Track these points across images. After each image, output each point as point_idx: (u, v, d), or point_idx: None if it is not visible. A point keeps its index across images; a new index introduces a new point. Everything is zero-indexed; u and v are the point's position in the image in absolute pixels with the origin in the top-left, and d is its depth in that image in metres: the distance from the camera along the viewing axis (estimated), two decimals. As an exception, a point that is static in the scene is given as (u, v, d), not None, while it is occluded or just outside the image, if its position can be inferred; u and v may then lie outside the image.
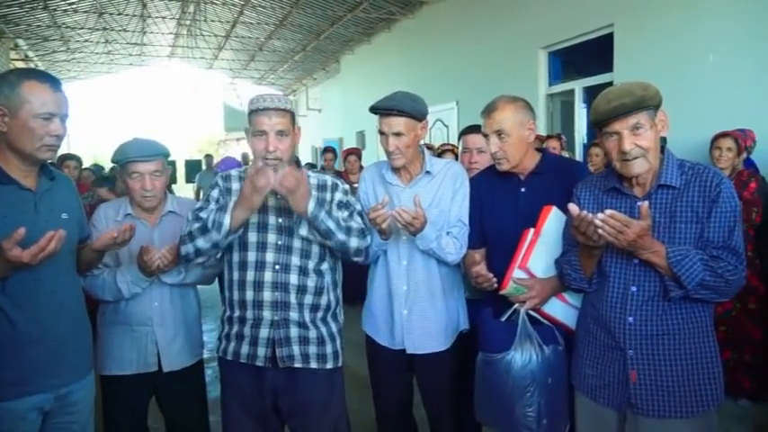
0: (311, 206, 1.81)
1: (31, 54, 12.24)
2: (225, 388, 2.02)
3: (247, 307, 1.92)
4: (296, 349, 1.92)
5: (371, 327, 2.25)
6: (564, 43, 5.73)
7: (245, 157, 13.88)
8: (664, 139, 1.70)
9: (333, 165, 7.19)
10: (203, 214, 1.88)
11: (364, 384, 2.44)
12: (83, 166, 5.97)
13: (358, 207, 2.06)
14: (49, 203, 1.72)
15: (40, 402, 1.66)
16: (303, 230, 1.90)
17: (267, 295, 1.90)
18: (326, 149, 7.46)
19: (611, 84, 4.99)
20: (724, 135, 3.50)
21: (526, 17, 6.12)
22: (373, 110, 2.09)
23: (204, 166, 11.01)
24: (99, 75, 16.15)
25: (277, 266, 1.91)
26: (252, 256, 1.91)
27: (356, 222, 1.98)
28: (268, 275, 1.90)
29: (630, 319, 1.63)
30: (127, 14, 10.09)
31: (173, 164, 16.07)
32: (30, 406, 1.64)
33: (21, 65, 11.20)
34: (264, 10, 9.96)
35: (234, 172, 2.05)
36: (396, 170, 2.16)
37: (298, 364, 1.93)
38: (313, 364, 1.95)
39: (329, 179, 2.04)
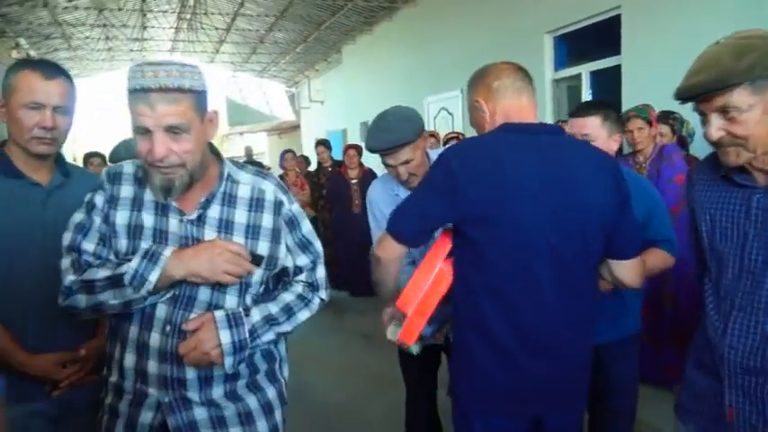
0: (228, 362, 1.26)
1: (32, 53, 12.21)
2: None
3: (126, 376, 1.33)
4: None
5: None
6: (570, 27, 5.61)
7: (248, 150, 13.87)
8: None
9: (327, 157, 6.94)
10: (100, 251, 1.31)
11: (371, 378, 2.42)
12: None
13: (318, 246, 1.48)
14: (60, 200, 1.59)
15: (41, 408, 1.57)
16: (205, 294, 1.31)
17: (152, 366, 1.29)
18: (319, 142, 7.05)
19: (618, 68, 4.92)
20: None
21: (530, 1, 6.00)
22: (374, 151, 1.94)
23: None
24: (101, 72, 16.15)
25: (168, 327, 1.28)
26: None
27: (298, 288, 1.42)
28: (155, 338, 1.29)
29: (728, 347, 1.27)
30: (127, 10, 10.05)
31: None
32: (30, 411, 1.55)
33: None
34: (265, 2, 9.88)
35: (128, 168, 1.39)
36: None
37: None
38: None
39: (271, 194, 1.38)
